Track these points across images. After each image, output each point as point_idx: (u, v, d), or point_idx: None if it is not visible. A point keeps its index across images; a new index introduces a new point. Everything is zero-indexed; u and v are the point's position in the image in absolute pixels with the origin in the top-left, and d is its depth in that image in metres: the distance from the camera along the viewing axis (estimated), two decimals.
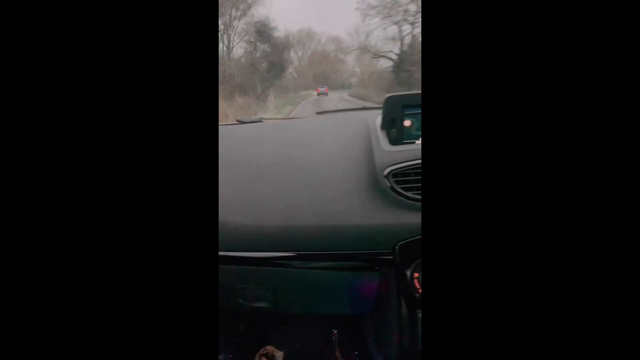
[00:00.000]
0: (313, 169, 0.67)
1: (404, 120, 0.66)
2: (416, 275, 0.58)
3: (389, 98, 0.68)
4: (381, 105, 0.72)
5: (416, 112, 0.66)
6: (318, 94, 20.26)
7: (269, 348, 0.86)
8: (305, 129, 0.85)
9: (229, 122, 1.00)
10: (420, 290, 0.58)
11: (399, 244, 0.57)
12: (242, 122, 0.95)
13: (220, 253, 0.57)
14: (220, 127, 0.87)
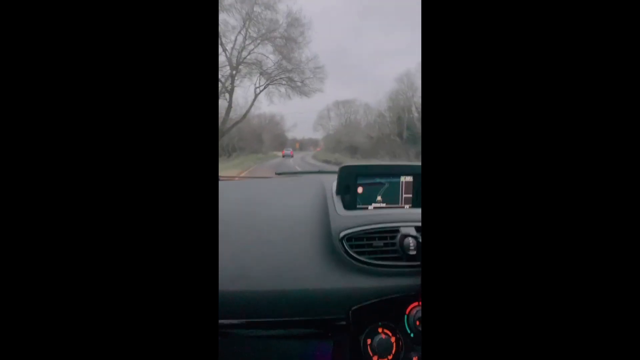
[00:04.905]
0: (271, 230, 0.66)
1: (357, 187, 0.71)
2: (369, 341, 0.55)
3: (343, 167, 0.72)
4: (336, 170, 0.77)
5: (368, 181, 0.71)
6: (283, 156, 20.60)
7: None
8: (265, 189, 0.86)
9: None
10: (374, 358, 0.55)
11: (352, 308, 0.56)
12: None
13: None
14: None
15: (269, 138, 23.79)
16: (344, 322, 0.56)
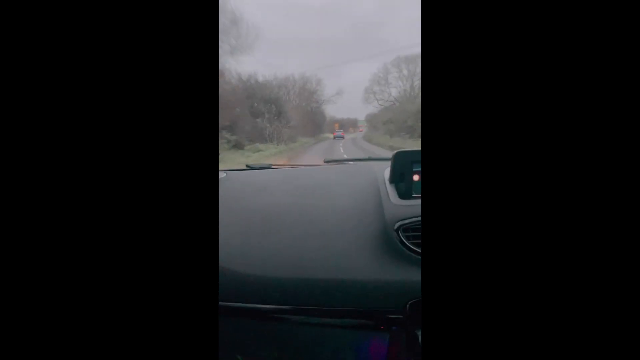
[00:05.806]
0: (323, 219, 0.65)
1: (412, 175, 0.67)
2: None
3: (398, 153, 0.68)
4: (385, 157, 0.81)
5: None
6: (334, 137, 20.90)
7: None
8: (314, 177, 0.84)
9: (238, 168, 1.03)
10: None
11: (409, 302, 0.55)
12: (251, 168, 0.98)
13: (221, 303, 0.55)
14: (228, 172, 0.91)
15: (298, 116, 15.87)
16: (400, 316, 0.56)
